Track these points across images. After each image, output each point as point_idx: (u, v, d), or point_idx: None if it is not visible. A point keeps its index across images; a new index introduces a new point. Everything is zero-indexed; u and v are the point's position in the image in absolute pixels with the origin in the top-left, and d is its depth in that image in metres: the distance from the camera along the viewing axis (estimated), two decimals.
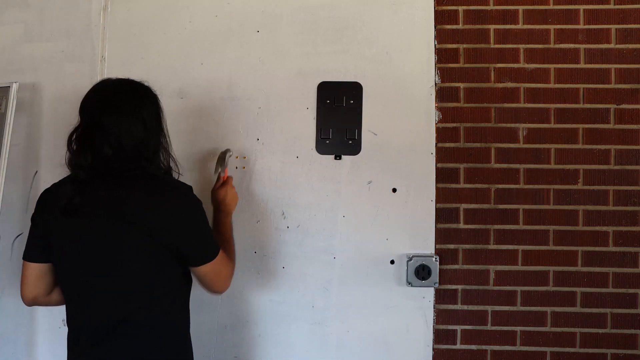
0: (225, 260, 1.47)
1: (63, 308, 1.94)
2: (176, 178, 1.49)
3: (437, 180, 1.91)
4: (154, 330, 1.36)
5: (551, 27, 1.93)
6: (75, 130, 1.37)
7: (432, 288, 1.89)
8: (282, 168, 1.92)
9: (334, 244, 1.90)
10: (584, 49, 1.92)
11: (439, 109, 1.94)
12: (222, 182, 1.72)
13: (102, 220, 1.32)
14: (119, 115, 1.34)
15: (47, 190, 1.45)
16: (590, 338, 1.89)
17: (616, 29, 1.91)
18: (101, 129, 1.32)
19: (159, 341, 1.37)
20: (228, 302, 1.90)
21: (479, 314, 1.91)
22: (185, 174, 1.91)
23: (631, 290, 1.89)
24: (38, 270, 1.44)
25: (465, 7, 1.94)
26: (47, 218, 1.39)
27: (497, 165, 1.92)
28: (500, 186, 1.92)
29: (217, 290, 1.49)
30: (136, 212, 1.32)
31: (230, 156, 1.80)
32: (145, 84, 1.45)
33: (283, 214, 1.91)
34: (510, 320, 1.90)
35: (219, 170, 1.75)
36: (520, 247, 1.91)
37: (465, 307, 1.91)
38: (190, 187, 1.43)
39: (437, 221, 1.91)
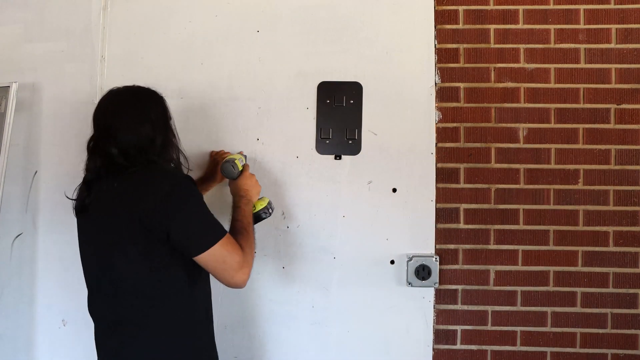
0: (231, 248, 1.40)
1: (63, 308, 1.95)
2: (185, 173, 1.51)
3: (437, 180, 1.91)
4: (152, 331, 1.36)
5: (551, 27, 1.93)
6: (90, 139, 1.46)
7: (432, 288, 1.89)
8: (282, 168, 1.92)
9: (334, 244, 1.90)
10: (584, 48, 1.92)
11: (439, 109, 1.93)
12: (242, 172, 1.70)
13: (102, 214, 1.39)
14: (126, 117, 1.42)
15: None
16: (591, 338, 1.89)
17: (616, 28, 1.91)
18: (110, 133, 1.41)
19: (158, 342, 1.37)
20: (228, 302, 1.90)
21: (479, 314, 1.91)
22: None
23: (631, 291, 1.88)
24: None
25: (465, 7, 1.94)
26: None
27: (497, 165, 1.92)
28: (501, 186, 1.92)
29: (227, 281, 1.41)
30: (128, 202, 1.35)
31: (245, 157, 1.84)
32: (152, 88, 1.53)
33: (283, 214, 1.91)
34: (510, 320, 1.90)
35: (237, 165, 1.70)
36: (521, 247, 1.91)
37: (465, 307, 1.91)
38: (186, 176, 1.44)
39: (437, 221, 1.91)
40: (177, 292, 1.40)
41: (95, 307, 1.45)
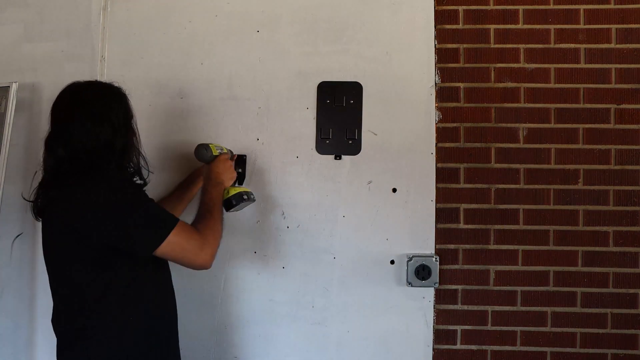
0: (186, 234, 1.36)
1: None
2: (146, 176, 1.48)
3: (437, 180, 1.91)
4: (89, 339, 1.34)
5: (551, 27, 1.93)
6: (47, 137, 1.40)
7: (432, 288, 1.89)
8: (282, 168, 1.92)
9: (334, 244, 1.90)
10: (584, 48, 1.92)
11: (439, 109, 1.93)
12: (217, 157, 1.64)
13: (46, 224, 1.38)
14: (84, 118, 1.35)
15: None
16: (591, 338, 1.89)
17: (616, 28, 1.91)
18: (63, 135, 1.35)
19: (98, 350, 1.34)
20: (228, 302, 1.90)
21: (479, 314, 1.90)
22: (185, 173, 1.92)
23: (631, 291, 1.88)
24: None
25: (465, 7, 1.94)
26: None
27: (497, 165, 1.92)
28: (501, 186, 1.92)
29: (191, 265, 1.38)
30: (62, 214, 1.32)
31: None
32: (115, 84, 1.46)
33: (283, 214, 1.91)
34: (510, 320, 1.90)
35: (211, 148, 1.63)
36: (521, 247, 1.90)
37: (465, 307, 1.91)
38: (116, 183, 1.35)
39: (437, 221, 1.91)
40: (114, 298, 1.34)
41: (55, 320, 1.44)
